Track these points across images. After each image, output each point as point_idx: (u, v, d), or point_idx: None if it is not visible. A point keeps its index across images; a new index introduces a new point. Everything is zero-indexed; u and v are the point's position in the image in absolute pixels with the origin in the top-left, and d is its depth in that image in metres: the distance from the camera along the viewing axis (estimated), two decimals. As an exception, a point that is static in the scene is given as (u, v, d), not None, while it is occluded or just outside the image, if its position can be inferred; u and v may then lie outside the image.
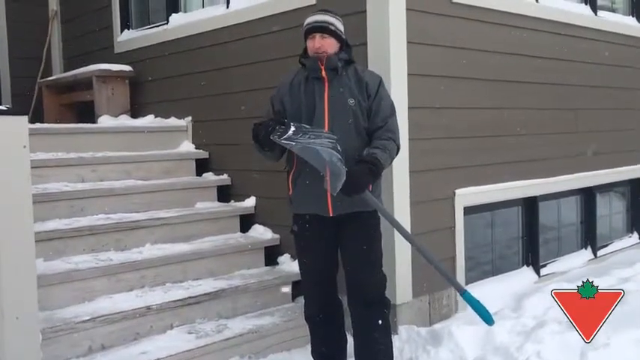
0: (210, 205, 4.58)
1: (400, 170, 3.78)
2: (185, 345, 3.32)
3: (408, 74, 3.83)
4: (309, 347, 3.42)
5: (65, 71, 6.37)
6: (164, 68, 5.32)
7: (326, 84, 3.05)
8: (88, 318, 3.23)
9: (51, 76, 6.40)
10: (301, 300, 3.64)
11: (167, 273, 3.81)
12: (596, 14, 5.52)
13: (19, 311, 2.77)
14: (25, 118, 2.84)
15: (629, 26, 5.94)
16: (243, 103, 4.56)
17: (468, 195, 4.30)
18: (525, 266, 5.02)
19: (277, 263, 4.30)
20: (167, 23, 5.35)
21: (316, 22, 3.07)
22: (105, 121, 5.20)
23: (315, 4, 3.99)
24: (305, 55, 3.14)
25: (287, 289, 4.06)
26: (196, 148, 5.02)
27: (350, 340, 3.26)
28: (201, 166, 4.91)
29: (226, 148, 4.80)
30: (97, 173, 4.37)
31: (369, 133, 3.06)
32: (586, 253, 5.61)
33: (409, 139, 3.81)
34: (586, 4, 5.50)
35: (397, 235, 3.54)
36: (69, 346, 3.17)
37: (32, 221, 2.86)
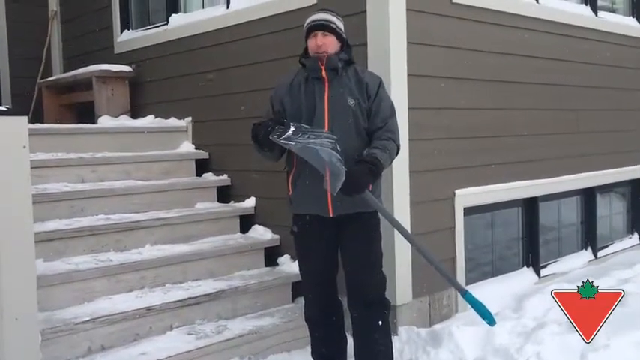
0: (210, 205, 4.58)
1: (400, 171, 3.78)
2: (185, 346, 3.31)
3: (408, 75, 3.83)
4: (309, 348, 3.42)
5: (65, 71, 6.37)
6: (164, 69, 5.32)
7: (326, 84, 3.05)
8: (87, 319, 3.23)
9: (51, 76, 6.40)
10: (301, 301, 3.64)
11: (167, 274, 3.81)
12: (596, 15, 5.52)
13: (18, 312, 2.77)
14: (25, 118, 2.84)
15: (630, 27, 5.94)
16: (243, 104, 4.56)
17: (468, 195, 4.29)
18: (525, 267, 5.02)
19: (277, 264, 4.29)
20: (167, 24, 5.35)
21: (318, 20, 3.08)
22: (105, 121, 5.19)
23: (315, 4, 3.99)
24: (305, 55, 3.14)
25: (287, 290, 4.05)
26: (196, 149, 5.01)
27: (350, 340, 3.26)
28: (201, 167, 4.91)
29: (226, 149, 4.80)
30: (97, 174, 4.37)
31: (369, 133, 3.06)
32: (586, 254, 5.61)
33: (409, 140, 3.81)
34: (586, 4, 5.50)
35: (397, 236, 3.54)
36: (68, 347, 3.17)
37: (32, 222, 2.86)
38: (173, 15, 5.32)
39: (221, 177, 4.78)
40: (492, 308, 3.01)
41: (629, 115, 5.98)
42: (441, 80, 4.09)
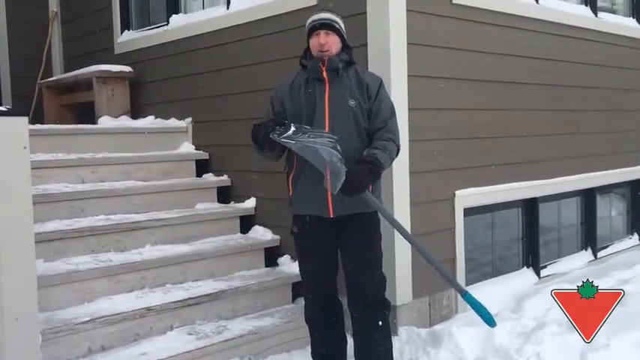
0: (210, 206, 4.58)
1: (400, 171, 3.78)
2: (185, 346, 3.31)
3: (408, 75, 3.83)
4: (309, 348, 3.42)
5: (65, 72, 6.37)
6: (164, 69, 5.32)
7: (327, 85, 3.06)
8: (87, 319, 3.23)
9: (51, 76, 6.40)
10: (301, 301, 3.64)
11: (167, 274, 3.81)
12: (596, 15, 5.52)
13: (19, 312, 2.77)
14: (26, 119, 2.84)
15: (630, 27, 5.94)
16: (244, 104, 4.56)
17: (468, 196, 4.29)
18: (525, 267, 5.02)
19: (277, 264, 4.29)
20: (167, 24, 5.35)
21: (322, 19, 3.09)
22: (105, 122, 5.20)
23: (316, 5, 3.99)
24: (305, 56, 3.15)
25: (287, 290, 4.06)
26: (196, 149, 5.02)
27: (350, 341, 3.26)
28: (202, 167, 4.91)
29: (226, 149, 4.80)
30: (97, 174, 4.37)
31: (369, 134, 3.06)
32: (586, 255, 5.61)
33: (409, 141, 3.81)
34: (586, 5, 5.50)
35: (397, 236, 3.54)
36: (69, 347, 3.17)
37: (32, 222, 2.86)
38: (173, 15, 5.32)
39: (221, 177, 4.78)
40: (492, 309, 3.02)
41: (629, 116, 5.98)
42: (441, 81, 4.09)
